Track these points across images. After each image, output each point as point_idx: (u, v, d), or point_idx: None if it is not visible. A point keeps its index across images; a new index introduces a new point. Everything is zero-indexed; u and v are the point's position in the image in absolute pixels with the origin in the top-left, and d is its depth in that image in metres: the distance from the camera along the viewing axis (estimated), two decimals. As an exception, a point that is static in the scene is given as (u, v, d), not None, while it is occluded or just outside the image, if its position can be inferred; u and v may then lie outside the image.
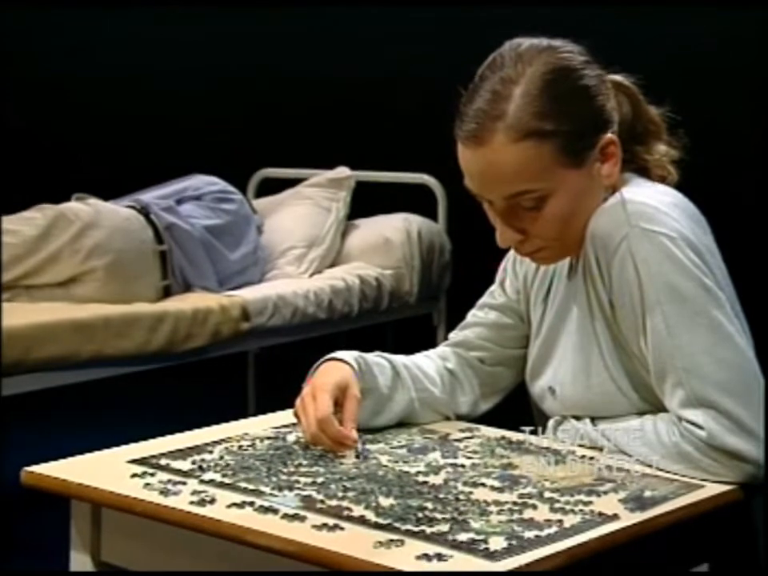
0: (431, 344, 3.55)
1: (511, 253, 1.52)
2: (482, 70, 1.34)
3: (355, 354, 1.44)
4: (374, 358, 1.47)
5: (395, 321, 3.46)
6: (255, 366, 3.67)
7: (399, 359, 1.50)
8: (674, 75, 3.21)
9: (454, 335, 1.57)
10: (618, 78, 1.41)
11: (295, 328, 3.07)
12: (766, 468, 1.24)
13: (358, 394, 1.38)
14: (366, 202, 3.54)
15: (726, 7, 3.29)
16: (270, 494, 1.19)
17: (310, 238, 3.39)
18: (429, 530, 1.09)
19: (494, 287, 1.56)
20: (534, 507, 1.16)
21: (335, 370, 1.40)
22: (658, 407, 1.32)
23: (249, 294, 3.00)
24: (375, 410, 1.43)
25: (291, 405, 1.55)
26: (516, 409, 1.56)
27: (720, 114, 3.26)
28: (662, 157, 1.42)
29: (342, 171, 3.56)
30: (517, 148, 1.29)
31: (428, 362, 1.53)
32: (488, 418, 1.53)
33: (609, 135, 1.34)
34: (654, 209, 1.31)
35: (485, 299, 1.56)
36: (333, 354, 1.44)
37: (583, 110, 1.32)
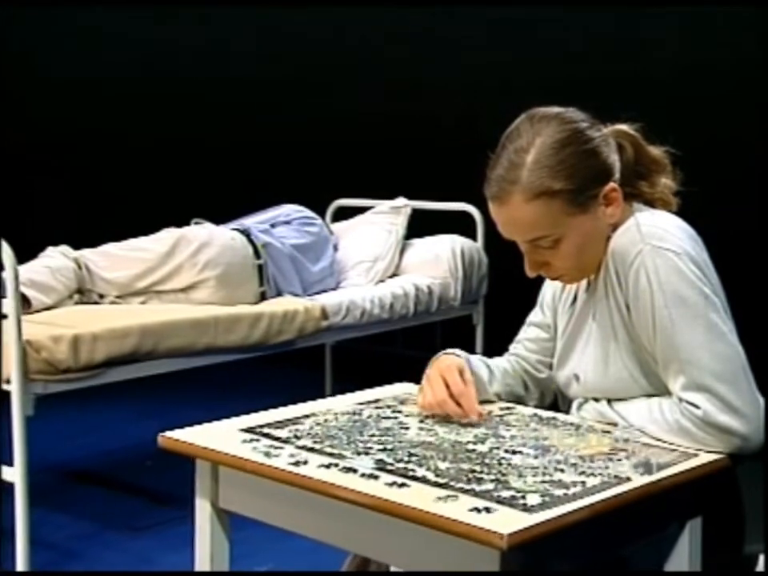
0: (472, 340, 3.52)
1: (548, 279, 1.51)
2: (503, 140, 1.32)
3: (461, 351, 1.46)
4: (474, 356, 1.49)
5: (442, 320, 3.45)
6: (332, 356, 3.68)
7: (489, 360, 1.51)
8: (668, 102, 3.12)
9: (512, 347, 1.56)
10: (622, 127, 1.38)
11: (363, 325, 3.06)
12: (765, 445, 1.22)
13: (471, 378, 1.40)
14: (420, 225, 3.54)
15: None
16: (350, 458, 1.19)
17: (375, 255, 3.39)
18: (478, 488, 1.08)
19: (536, 307, 1.55)
20: (562, 471, 1.15)
21: (452, 359, 1.43)
22: (662, 392, 1.30)
23: (327, 299, 2.99)
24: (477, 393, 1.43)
25: (361, 387, 1.55)
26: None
27: (711, 144, 3.16)
28: (663, 189, 1.39)
29: (401, 201, 3.55)
30: (530, 206, 1.28)
31: (508, 366, 1.53)
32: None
33: (610, 184, 1.31)
34: (663, 230, 1.29)
35: (530, 317, 1.55)
36: (446, 350, 1.46)
37: (586, 169, 1.29)
